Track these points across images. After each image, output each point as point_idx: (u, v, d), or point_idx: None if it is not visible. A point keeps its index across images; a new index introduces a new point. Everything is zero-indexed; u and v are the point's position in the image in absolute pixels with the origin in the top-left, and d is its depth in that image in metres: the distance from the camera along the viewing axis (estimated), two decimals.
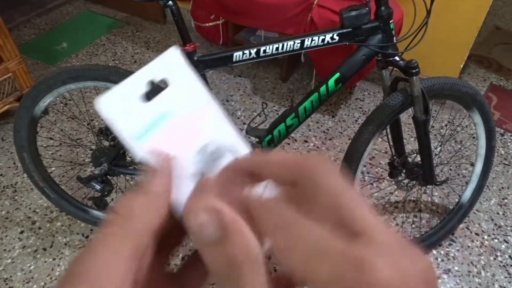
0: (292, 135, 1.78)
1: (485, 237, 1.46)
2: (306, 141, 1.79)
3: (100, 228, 0.19)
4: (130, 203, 0.20)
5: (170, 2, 1.00)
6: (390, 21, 1.01)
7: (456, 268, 1.37)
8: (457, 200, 1.43)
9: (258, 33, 2.03)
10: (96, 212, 1.39)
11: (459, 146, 1.80)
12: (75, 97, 1.91)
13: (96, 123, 1.79)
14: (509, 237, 1.46)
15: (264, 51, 1.05)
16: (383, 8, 0.99)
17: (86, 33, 2.44)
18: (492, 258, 1.39)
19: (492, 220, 1.51)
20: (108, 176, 1.29)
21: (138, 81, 0.21)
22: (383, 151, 1.68)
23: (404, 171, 1.27)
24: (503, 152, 1.79)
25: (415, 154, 1.25)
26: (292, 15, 1.68)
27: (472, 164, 1.47)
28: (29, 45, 2.32)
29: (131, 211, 0.20)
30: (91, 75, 1.11)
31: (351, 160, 1.12)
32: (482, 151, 1.31)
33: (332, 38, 1.02)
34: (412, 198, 1.56)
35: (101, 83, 1.11)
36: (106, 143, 1.26)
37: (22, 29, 2.46)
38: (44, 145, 1.69)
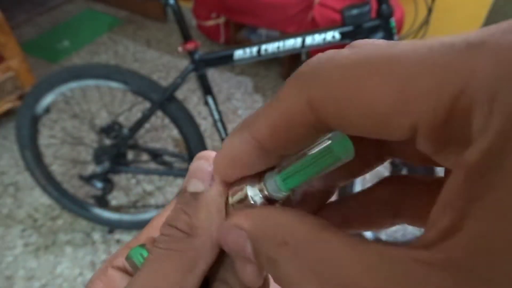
0: None
1: None
2: None
3: (155, 245, 0.18)
4: (194, 217, 0.17)
5: (172, 1, 1.00)
6: (391, 20, 1.01)
7: None
8: None
9: (259, 31, 2.03)
10: (97, 210, 1.39)
11: None
12: (76, 96, 1.91)
13: (98, 122, 1.79)
14: None
15: (265, 49, 1.05)
16: (384, 6, 0.99)
17: (88, 32, 2.44)
18: None
19: None
20: (110, 174, 1.30)
21: None
22: None
23: None
24: None
25: None
26: (293, 14, 1.68)
27: None
28: (31, 43, 2.32)
29: (196, 227, 0.17)
30: (93, 73, 1.11)
31: None
32: None
33: (333, 36, 1.02)
34: None
35: (103, 82, 1.12)
36: (108, 142, 1.26)
37: (24, 27, 2.46)
38: (46, 143, 1.69)
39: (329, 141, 0.14)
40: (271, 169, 0.16)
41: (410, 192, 0.17)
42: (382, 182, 0.18)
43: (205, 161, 0.18)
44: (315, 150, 0.14)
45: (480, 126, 0.10)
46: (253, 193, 0.16)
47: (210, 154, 0.18)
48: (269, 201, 0.16)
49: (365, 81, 0.11)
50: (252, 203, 0.16)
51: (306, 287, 0.12)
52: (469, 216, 0.09)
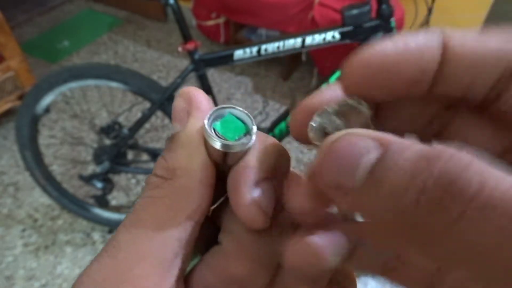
0: None
1: None
2: None
3: (142, 192, 0.16)
4: (171, 159, 0.16)
5: (171, 1, 1.00)
6: (391, 20, 1.01)
7: None
8: None
9: (259, 31, 2.03)
10: (97, 210, 1.39)
11: None
12: (76, 96, 1.91)
13: (98, 122, 1.79)
14: None
15: (265, 49, 1.05)
16: (384, 6, 0.99)
17: (88, 32, 2.44)
18: None
19: None
20: (110, 174, 1.30)
21: None
22: None
23: None
24: None
25: None
26: (293, 14, 1.68)
27: None
28: (30, 43, 2.32)
29: (173, 169, 0.16)
30: (93, 73, 1.11)
31: None
32: None
33: (333, 36, 1.02)
34: None
35: (103, 82, 1.12)
36: (108, 142, 1.26)
37: (24, 27, 2.46)
38: (46, 143, 1.69)
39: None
40: None
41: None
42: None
43: (180, 99, 0.17)
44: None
45: None
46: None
47: (187, 90, 0.17)
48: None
49: None
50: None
51: None
52: None
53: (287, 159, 0.17)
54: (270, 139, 0.17)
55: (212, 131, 0.16)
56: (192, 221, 0.15)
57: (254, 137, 0.16)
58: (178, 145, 0.16)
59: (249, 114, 0.17)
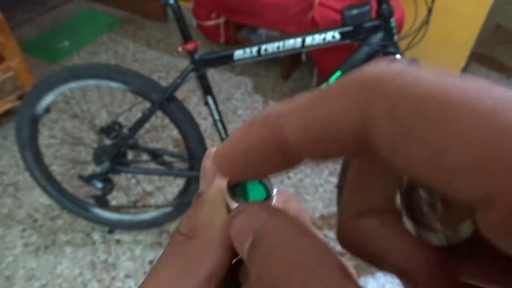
0: None
1: None
2: None
3: (166, 248, 0.17)
4: (194, 217, 0.17)
5: (171, 1, 1.00)
6: (391, 20, 1.01)
7: None
8: None
9: (259, 31, 2.03)
10: (97, 210, 1.39)
11: None
12: (76, 96, 1.91)
13: (98, 122, 1.79)
14: None
15: (265, 49, 1.05)
16: (384, 6, 0.99)
17: (88, 32, 2.44)
18: None
19: None
20: (110, 174, 1.30)
21: None
22: None
23: None
24: None
25: None
26: (293, 14, 1.68)
27: None
28: (30, 43, 2.32)
29: (196, 227, 0.16)
30: (93, 73, 1.11)
31: None
32: None
33: (333, 36, 1.02)
34: None
35: (103, 82, 1.12)
36: (108, 142, 1.26)
37: (24, 27, 2.46)
38: (46, 143, 1.69)
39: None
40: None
41: None
42: None
43: (208, 159, 0.18)
44: None
45: None
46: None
47: (213, 151, 0.18)
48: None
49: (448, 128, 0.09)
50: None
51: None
52: None
53: (308, 222, 0.17)
54: (292, 204, 0.17)
55: (233, 193, 0.16)
56: (211, 279, 0.16)
57: (273, 201, 0.17)
58: (202, 204, 0.17)
59: (270, 180, 0.17)
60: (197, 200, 0.17)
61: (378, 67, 0.11)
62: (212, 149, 0.18)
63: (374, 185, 0.13)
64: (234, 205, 0.16)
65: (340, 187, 1.26)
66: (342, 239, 0.14)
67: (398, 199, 0.13)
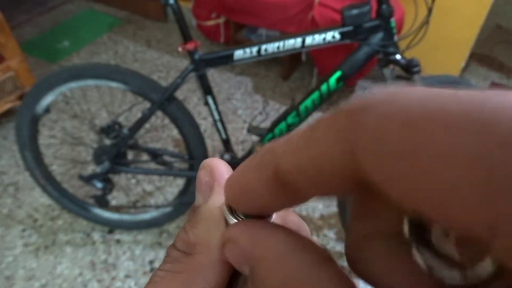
0: None
1: None
2: None
3: (161, 264, 0.16)
4: (191, 233, 0.16)
5: (171, 1, 1.00)
6: (391, 20, 1.01)
7: None
8: None
9: (259, 31, 2.03)
10: (97, 210, 1.39)
11: None
12: (76, 96, 1.91)
13: (98, 122, 1.79)
14: None
15: (265, 49, 1.05)
16: (384, 6, 0.99)
17: (88, 32, 2.44)
18: None
19: None
20: (110, 174, 1.30)
21: None
22: None
23: None
24: None
25: None
26: (293, 14, 1.68)
27: None
28: (30, 43, 2.32)
29: (194, 244, 0.16)
30: (93, 73, 1.11)
31: None
32: None
33: (333, 36, 1.02)
34: None
35: (103, 82, 1.12)
36: (108, 142, 1.26)
37: (24, 27, 2.46)
38: (46, 143, 1.69)
39: None
40: None
41: None
42: None
43: (204, 171, 0.17)
44: None
45: None
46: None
47: (209, 163, 0.17)
48: None
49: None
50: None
51: None
52: None
53: (307, 234, 0.17)
54: (291, 217, 0.17)
55: (231, 209, 0.16)
56: None
57: (273, 217, 0.16)
58: (199, 219, 0.16)
59: None
60: (194, 214, 0.16)
61: (360, 100, 0.10)
62: (207, 161, 0.17)
63: (379, 212, 0.13)
64: (232, 221, 0.15)
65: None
66: (350, 260, 0.14)
67: (405, 228, 0.12)
